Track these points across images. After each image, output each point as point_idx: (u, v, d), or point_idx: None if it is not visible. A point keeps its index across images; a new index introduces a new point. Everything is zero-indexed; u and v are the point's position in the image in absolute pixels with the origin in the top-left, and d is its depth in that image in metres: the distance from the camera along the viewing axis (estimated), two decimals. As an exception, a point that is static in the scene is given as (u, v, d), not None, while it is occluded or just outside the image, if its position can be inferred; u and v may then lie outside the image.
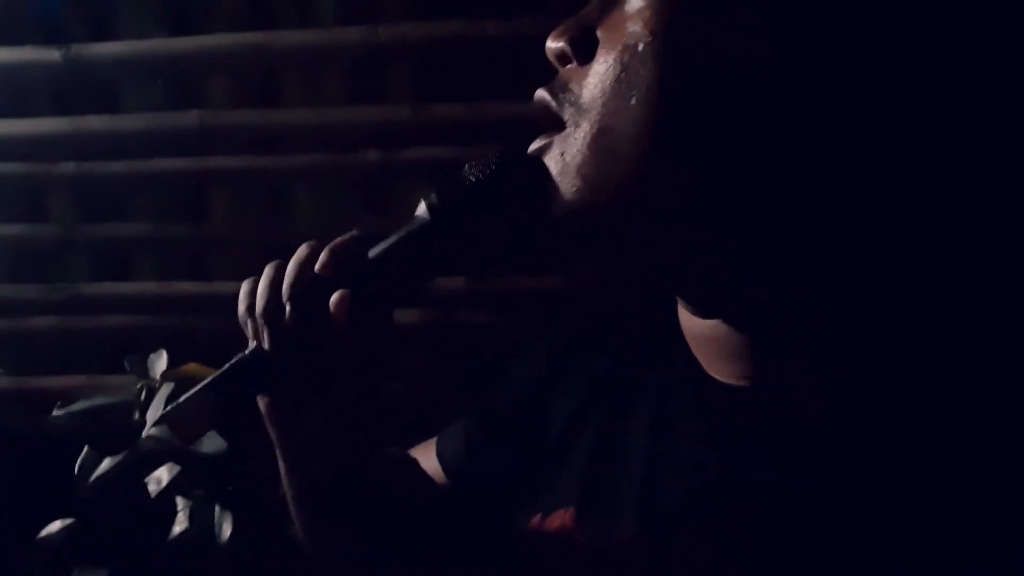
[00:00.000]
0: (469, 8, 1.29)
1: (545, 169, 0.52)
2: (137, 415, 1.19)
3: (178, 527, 1.10)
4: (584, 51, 0.51)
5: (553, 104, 0.52)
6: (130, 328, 1.43)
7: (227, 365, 0.56)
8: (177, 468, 1.11)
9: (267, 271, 0.56)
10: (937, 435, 0.47)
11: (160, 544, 1.09)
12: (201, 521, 1.09)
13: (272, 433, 0.60)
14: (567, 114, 0.51)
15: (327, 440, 0.59)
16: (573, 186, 0.51)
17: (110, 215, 1.45)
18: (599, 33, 0.51)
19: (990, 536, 0.44)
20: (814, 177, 0.48)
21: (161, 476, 1.11)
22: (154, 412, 1.13)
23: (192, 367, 1.20)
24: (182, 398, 0.55)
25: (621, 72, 0.49)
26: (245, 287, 0.57)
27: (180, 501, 1.11)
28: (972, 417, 0.47)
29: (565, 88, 0.52)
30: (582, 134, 0.50)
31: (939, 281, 0.52)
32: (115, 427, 1.17)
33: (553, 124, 0.52)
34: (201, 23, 1.38)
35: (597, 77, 0.50)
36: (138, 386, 1.21)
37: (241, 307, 0.57)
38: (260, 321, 0.55)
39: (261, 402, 0.58)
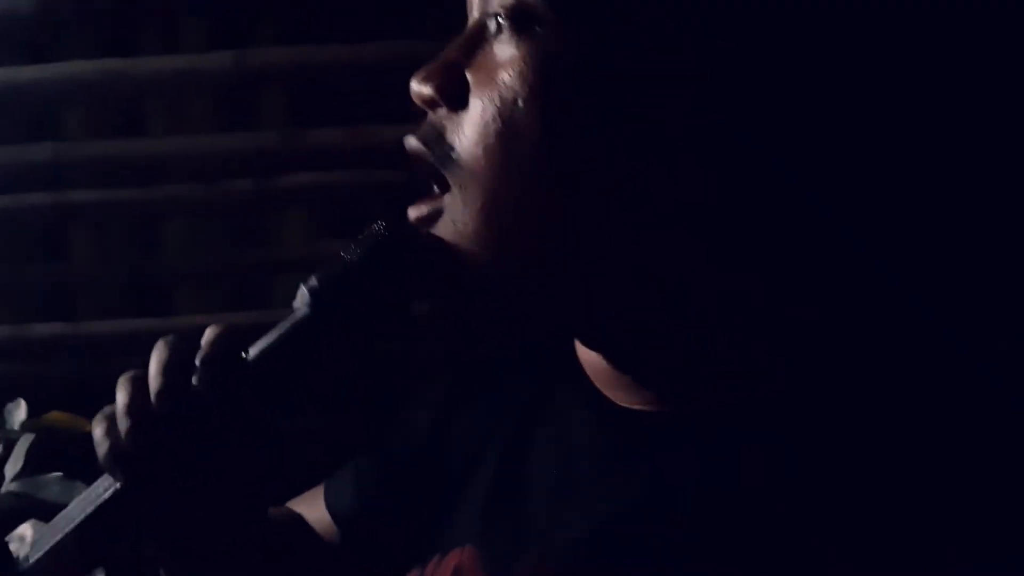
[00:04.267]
0: (342, 32, 1.27)
1: (432, 239, 0.49)
2: (-5, 470, 1.11)
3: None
4: (455, 97, 0.48)
5: (431, 158, 0.49)
6: (-17, 377, 1.34)
7: (91, 502, 0.49)
8: (42, 524, 1.03)
9: (124, 387, 0.50)
10: (897, 443, 0.46)
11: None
12: (70, 580, 1.02)
13: (154, 553, 0.54)
14: (448, 172, 0.48)
15: (221, 545, 0.54)
16: (470, 253, 0.48)
17: (-43, 256, 1.36)
18: (469, 76, 0.48)
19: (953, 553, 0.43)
20: (776, 172, 0.47)
21: (24, 533, 1.03)
22: (13, 466, 1.05)
23: (55, 415, 1.13)
24: (42, 549, 0.48)
25: (502, 127, 0.46)
26: (99, 418, 0.50)
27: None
28: (933, 430, 0.46)
29: (439, 139, 0.48)
30: (472, 198, 0.47)
31: (904, 281, 0.51)
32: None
33: (431, 177, 0.49)
34: (57, 50, 1.31)
35: (475, 130, 0.47)
36: (-6, 439, 1.13)
37: (98, 433, 0.49)
38: (130, 448, 0.48)
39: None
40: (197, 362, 0.49)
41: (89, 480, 0.51)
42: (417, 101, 0.50)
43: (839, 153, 0.48)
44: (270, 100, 1.32)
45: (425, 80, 0.49)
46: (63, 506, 0.51)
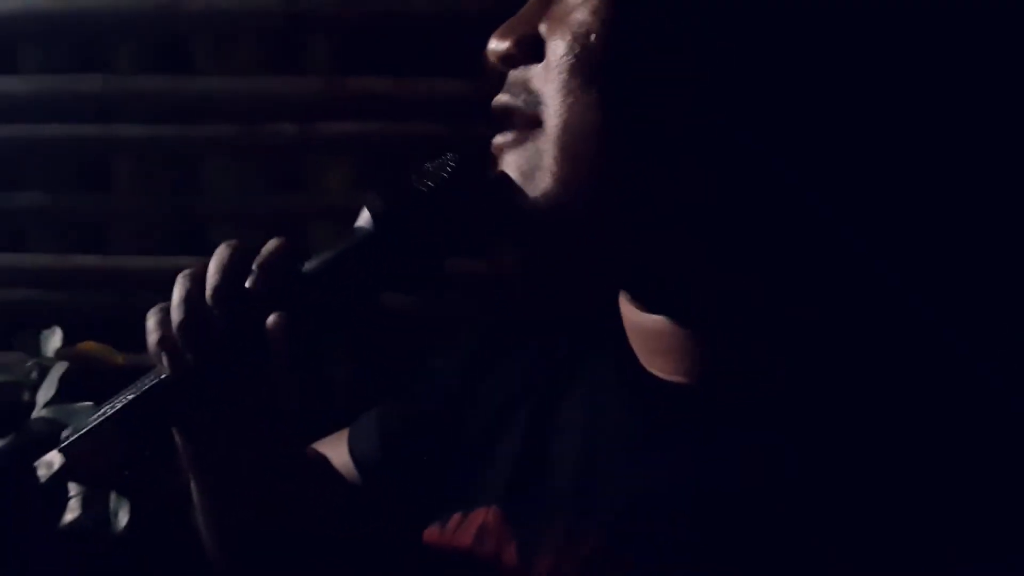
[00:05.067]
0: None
1: (501, 174, 0.50)
2: (27, 395, 1.13)
3: (70, 515, 1.04)
4: (532, 50, 0.50)
5: (522, 107, 0.50)
6: (21, 303, 1.35)
7: (133, 391, 0.49)
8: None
9: (181, 281, 0.50)
10: (898, 443, 0.46)
11: (50, 532, 1.04)
12: (95, 509, 1.04)
13: (185, 458, 0.55)
14: (534, 108, 0.50)
15: (252, 463, 0.55)
16: (543, 184, 0.49)
17: (2, 183, 1.37)
18: (542, 29, 0.50)
19: (960, 547, 0.43)
20: (776, 171, 0.47)
21: (52, 460, 1.05)
22: (46, 392, 1.07)
23: (89, 345, 1.14)
24: (82, 428, 0.48)
25: (576, 63, 0.48)
26: (153, 310, 0.51)
27: (73, 487, 1.06)
28: (933, 430, 0.46)
29: (526, 89, 0.50)
30: (552, 129, 0.49)
31: (904, 281, 0.51)
32: (2, 408, 1.10)
33: (524, 125, 0.51)
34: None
35: (554, 72, 0.49)
36: (28, 364, 1.14)
37: (151, 323, 0.50)
38: (180, 340, 0.49)
39: (175, 431, 0.53)
40: (255, 266, 0.49)
41: None
42: (494, 59, 0.52)
43: (839, 152, 0.48)
44: (316, 45, 1.31)
45: (503, 37, 0.51)
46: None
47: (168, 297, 0.52)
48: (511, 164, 0.50)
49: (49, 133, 1.33)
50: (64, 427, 1.05)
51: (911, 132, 0.49)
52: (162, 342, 0.49)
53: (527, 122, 0.51)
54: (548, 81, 0.49)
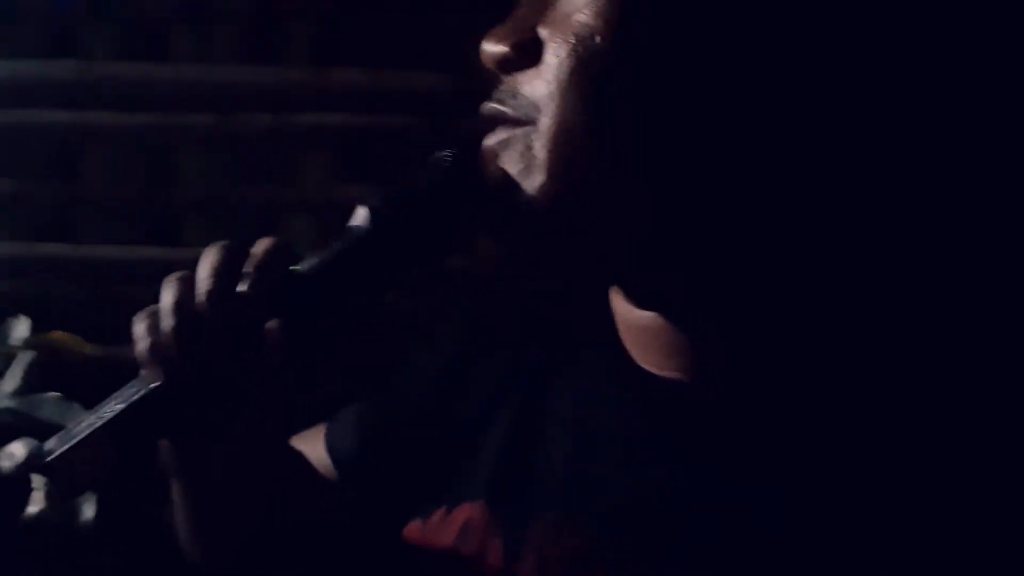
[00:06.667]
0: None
1: (497, 170, 0.49)
2: (-9, 384, 1.11)
3: (34, 507, 1.02)
4: (529, 53, 0.49)
5: (512, 114, 0.49)
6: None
7: (121, 401, 0.47)
8: (34, 442, 1.03)
9: (171, 285, 0.49)
10: (894, 440, 0.46)
11: (13, 525, 1.02)
12: (60, 501, 1.02)
13: (171, 463, 0.53)
14: (525, 113, 0.49)
15: (238, 463, 0.53)
16: (539, 180, 0.48)
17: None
18: (541, 31, 0.49)
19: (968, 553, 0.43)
20: (776, 170, 0.47)
21: (15, 451, 1.03)
22: (10, 382, 1.05)
23: (57, 335, 1.12)
24: (71, 439, 0.47)
25: (577, 66, 0.47)
26: (141, 316, 0.49)
27: (36, 478, 1.04)
28: (937, 429, 0.46)
29: (516, 95, 0.49)
30: (546, 128, 0.48)
31: (903, 281, 0.51)
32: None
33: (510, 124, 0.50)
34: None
35: (552, 73, 0.48)
36: (-6, 353, 1.12)
37: (139, 329, 0.49)
38: (172, 347, 0.47)
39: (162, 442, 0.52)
40: (250, 268, 0.48)
41: (88, 403, 0.50)
42: (490, 64, 0.51)
43: (839, 152, 0.48)
44: (296, 36, 1.30)
45: (500, 40, 0.50)
46: (58, 426, 0.50)
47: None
48: (506, 162, 0.49)
49: (18, 119, 1.31)
50: (28, 418, 1.03)
51: (911, 130, 0.49)
52: (154, 349, 0.48)
53: (518, 124, 0.50)
54: (545, 84, 0.48)
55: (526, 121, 0.49)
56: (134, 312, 0.50)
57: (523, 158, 0.49)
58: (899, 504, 0.44)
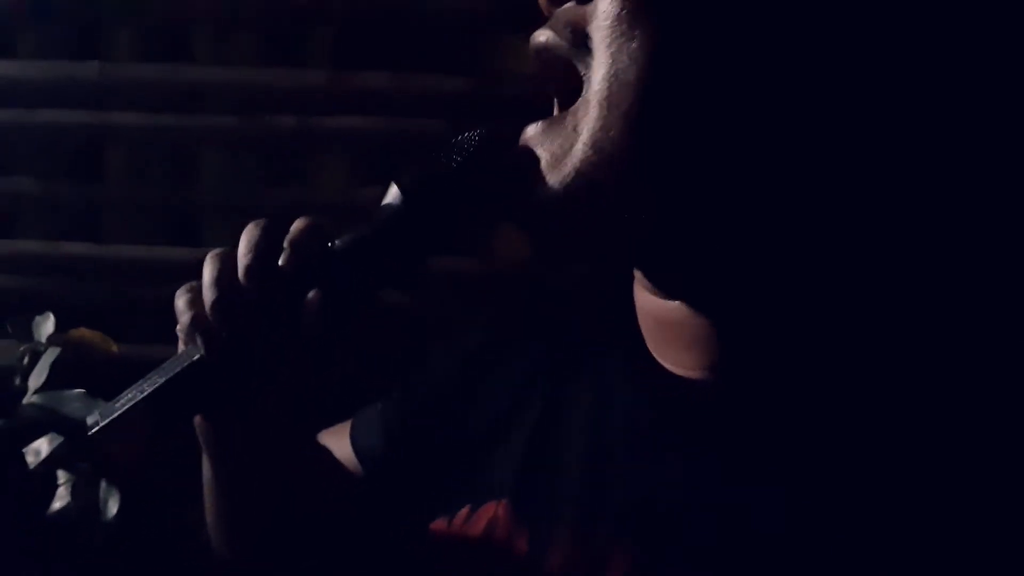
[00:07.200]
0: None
1: (526, 150, 0.48)
2: (18, 381, 1.12)
3: (58, 503, 1.03)
4: None
5: (564, 48, 0.48)
6: (10, 291, 1.34)
7: (163, 374, 0.48)
8: (60, 439, 1.04)
9: (212, 261, 0.50)
10: (926, 447, 0.45)
11: (38, 521, 1.03)
12: (84, 497, 1.03)
13: (206, 445, 0.54)
14: (580, 63, 0.47)
15: (272, 448, 0.54)
16: (576, 160, 0.47)
17: (-6, 167, 1.36)
18: None
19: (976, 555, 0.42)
20: (808, 162, 0.46)
21: (41, 447, 1.04)
22: (36, 378, 1.06)
23: (82, 332, 1.14)
24: (113, 412, 0.47)
25: (622, 10, 0.45)
26: (182, 291, 0.50)
27: (62, 475, 1.05)
28: (963, 431, 0.45)
29: (574, 29, 0.47)
30: (595, 96, 0.46)
31: (928, 280, 0.50)
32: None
33: (562, 69, 0.48)
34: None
35: (607, 6, 0.46)
36: (20, 350, 1.14)
37: (181, 303, 0.50)
38: (214, 320, 0.48)
39: (200, 416, 0.53)
40: (286, 244, 0.49)
41: (111, 400, 0.50)
42: None
43: (839, 151, 0.47)
44: (317, 39, 1.31)
45: None
46: (83, 422, 0.51)
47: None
48: (541, 147, 0.48)
49: (43, 119, 1.32)
50: (54, 413, 1.04)
51: (910, 131, 0.49)
52: (195, 322, 0.49)
53: (565, 80, 0.48)
54: (600, 18, 0.46)
55: (573, 73, 0.47)
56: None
57: (564, 142, 0.47)
58: (899, 504, 0.43)
